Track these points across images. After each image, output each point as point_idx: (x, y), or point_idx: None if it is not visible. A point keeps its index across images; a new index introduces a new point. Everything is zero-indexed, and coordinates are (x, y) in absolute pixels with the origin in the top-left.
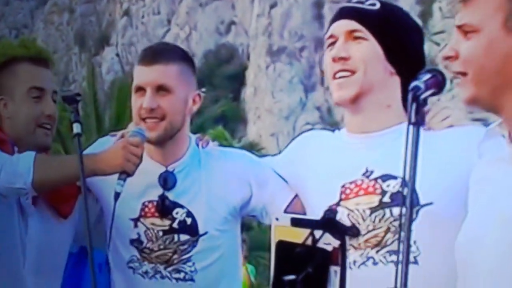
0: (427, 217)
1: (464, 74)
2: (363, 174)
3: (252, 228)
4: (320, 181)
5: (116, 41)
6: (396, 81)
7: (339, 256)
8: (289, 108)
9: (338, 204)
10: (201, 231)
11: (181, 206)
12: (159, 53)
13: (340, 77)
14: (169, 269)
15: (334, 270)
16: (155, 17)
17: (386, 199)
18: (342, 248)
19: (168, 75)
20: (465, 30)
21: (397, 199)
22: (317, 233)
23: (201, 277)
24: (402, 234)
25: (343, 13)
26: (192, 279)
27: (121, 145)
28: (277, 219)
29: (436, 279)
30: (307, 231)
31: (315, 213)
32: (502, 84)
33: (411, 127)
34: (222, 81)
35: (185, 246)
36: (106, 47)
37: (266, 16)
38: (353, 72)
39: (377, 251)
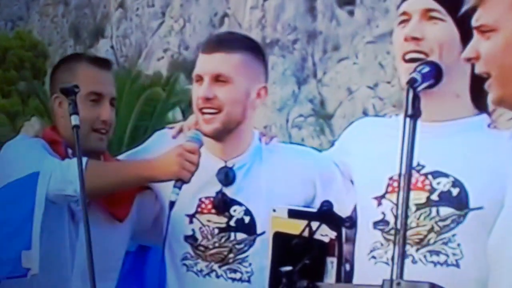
0: (475, 221)
1: (488, 74)
2: (414, 168)
3: None
4: (368, 172)
5: (111, 33)
6: (467, 69)
7: (335, 247)
8: (282, 100)
9: (383, 196)
10: (259, 230)
11: (240, 204)
12: (221, 41)
13: (411, 60)
14: (224, 268)
15: (331, 261)
16: (149, 10)
17: (434, 197)
18: (339, 239)
19: (228, 64)
20: (483, 30)
21: (446, 198)
22: (314, 224)
23: (258, 279)
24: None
25: None
26: (248, 281)
27: (176, 152)
28: (274, 210)
29: (475, 284)
30: (304, 223)
31: (361, 205)
32: None
33: (407, 119)
34: None
35: (242, 246)
36: (100, 39)
37: (260, 9)
38: (426, 55)
39: (417, 250)
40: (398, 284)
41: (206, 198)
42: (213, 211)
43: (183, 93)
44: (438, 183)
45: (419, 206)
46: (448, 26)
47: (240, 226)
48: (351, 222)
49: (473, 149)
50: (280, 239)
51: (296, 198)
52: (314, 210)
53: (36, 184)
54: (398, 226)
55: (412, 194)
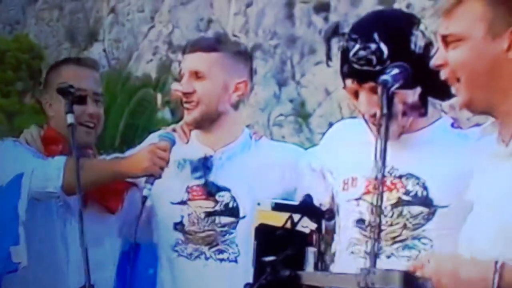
0: (443, 218)
1: (457, 80)
2: (388, 171)
3: None
4: (347, 174)
5: (103, 37)
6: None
7: (315, 238)
8: (264, 100)
9: (360, 198)
10: (241, 214)
11: (226, 189)
12: (199, 42)
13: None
14: (213, 249)
15: (311, 251)
16: (139, 15)
17: (406, 197)
18: (319, 231)
19: (205, 61)
20: (450, 40)
21: (415, 198)
22: (296, 217)
23: (244, 260)
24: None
25: None
26: (235, 261)
27: (148, 149)
28: (258, 204)
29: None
30: (286, 215)
31: (342, 204)
32: (491, 87)
33: (382, 118)
34: None
35: (228, 228)
36: (94, 43)
37: (243, 15)
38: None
39: (391, 245)
40: (374, 272)
41: (195, 185)
42: (203, 197)
43: (171, 94)
44: (409, 185)
45: (393, 206)
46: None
47: (226, 210)
48: (331, 214)
49: (440, 150)
50: (264, 230)
51: (277, 188)
52: (296, 203)
53: (21, 184)
54: (372, 223)
55: (387, 195)
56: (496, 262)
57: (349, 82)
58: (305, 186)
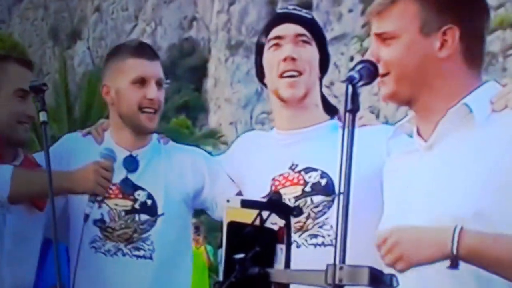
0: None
1: (386, 74)
2: (290, 168)
3: None
4: (254, 176)
5: (87, 35)
6: (318, 83)
7: (284, 235)
8: (246, 98)
9: (268, 195)
10: (159, 211)
11: (142, 189)
12: (153, 51)
13: (289, 76)
14: (129, 246)
15: (280, 248)
16: (123, 13)
17: (308, 188)
18: (287, 228)
19: (162, 71)
20: (384, 37)
21: (317, 188)
22: (265, 214)
23: (158, 256)
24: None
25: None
26: (150, 257)
27: (92, 169)
28: (228, 201)
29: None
30: (255, 212)
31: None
32: (419, 81)
33: (347, 114)
34: (184, 73)
35: (145, 226)
36: (78, 41)
37: (225, 13)
38: (300, 73)
39: (300, 235)
40: (341, 268)
41: (113, 184)
42: (120, 196)
43: None
44: (310, 177)
45: (297, 198)
46: (313, 49)
47: (144, 208)
48: (299, 211)
49: (333, 146)
50: (234, 228)
51: (187, 186)
52: (264, 200)
53: None
54: (340, 214)
55: (291, 189)
56: (455, 228)
57: None
58: (212, 185)
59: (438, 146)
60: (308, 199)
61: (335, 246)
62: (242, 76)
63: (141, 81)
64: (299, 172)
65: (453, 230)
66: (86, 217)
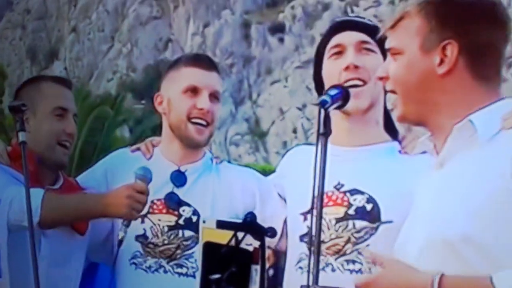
0: (386, 233)
1: (394, 92)
2: (335, 186)
3: None
4: (299, 193)
5: (65, 55)
6: (382, 99)
7: (259, 256)
8: (221, 119)
9: (308, 212)
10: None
11: (188, 205)
12: (213, 62)
13: (353, 86)
14: (172, 263)
15: (255, 268)
16: (100, 34)
17: (351, 211)
18: (262, 248)
19: (219, 84)
20: (392, 53)
21: (361, 213)
22: (240, 234)
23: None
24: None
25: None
26: (193, 275)
27: (126, 194)
28: (204, 221)
29: None
30: (231, 233)
31: (290, 220)
32: (424, 99)
33: (320, 137)
34: None
35: (189, 242)
36: (55, 61)
37: (200, 35)
38: (364, 82)
39: (336, 259)
40: None
41: (158, 200)
42: (164, 211)
43: (129, 112)
44: (355, 200)
45: (338, 220)
46: (378, 57)
47: (188, 224)
48: (273, 232)
49: (385, 171)
50: (210, 248)
51: (237, 206)
52: (239, 221)
53: None
54: (313, 238)
55: (333, 209)
56: (434, 277)
57: None
58: (265, 210)
59: (448, 164)
60: (350, 222)
61: (308, 267)
62: None
63: (193, 90)
64: (344, 192)
65: (432, 280)
66: (120, 242)
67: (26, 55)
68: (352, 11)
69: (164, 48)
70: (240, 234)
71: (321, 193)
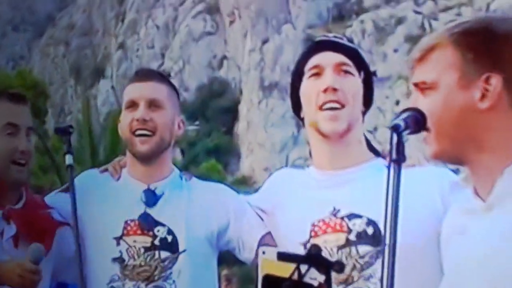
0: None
1: (427, 129)
2: (331, 213)
3: (244, 263)
4: (290, 220)
5: (111, 73)
6: (361, 118)
7: None
8: (281, 142)
9: (308, 241)
10: (181, 248)
11: (162, 224)
12: (151, 72)
13: (331, 108)
14: (150, 286)
15: None
16: (149, 51)
17: (352, 237)
18: (328, 283)
19: (160, 91)
20: (422, 87)
21: (363, 237)
22: (303, 267)
23: None
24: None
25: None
26: None
27: (17, 273)
28: (264, 252)
29: None
30: (293, 266)
31: (289, 250)
32: (462, 138)
33: (392, 164)
34: (215, 115)
35: (166, 263)
36: (101, 80)
37: (258, 52)
38: (343, 106)
39: None
40: None
41: (131, 220)
42: (138, 232)
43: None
44: (354, 224)
45: (340, 247)
46: (356, 80)
47: (164, 244)
48: (341, 266)
49: (379, 190)
50: (270, 281)
51: (211, 223)
52: (302, 253)
53: None
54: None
55: (333, 236)
56: None
57: None
58: (240, 225)
59: (498, 208)
60: (353, 248)
61: None
62: (276, 119)
63: (132, 104)
64: (342, 218)
65: None
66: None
67: (70, 73)
68: (430, 26)
69: (219, 66)
70: (303, 267)
71: (395, 223)
